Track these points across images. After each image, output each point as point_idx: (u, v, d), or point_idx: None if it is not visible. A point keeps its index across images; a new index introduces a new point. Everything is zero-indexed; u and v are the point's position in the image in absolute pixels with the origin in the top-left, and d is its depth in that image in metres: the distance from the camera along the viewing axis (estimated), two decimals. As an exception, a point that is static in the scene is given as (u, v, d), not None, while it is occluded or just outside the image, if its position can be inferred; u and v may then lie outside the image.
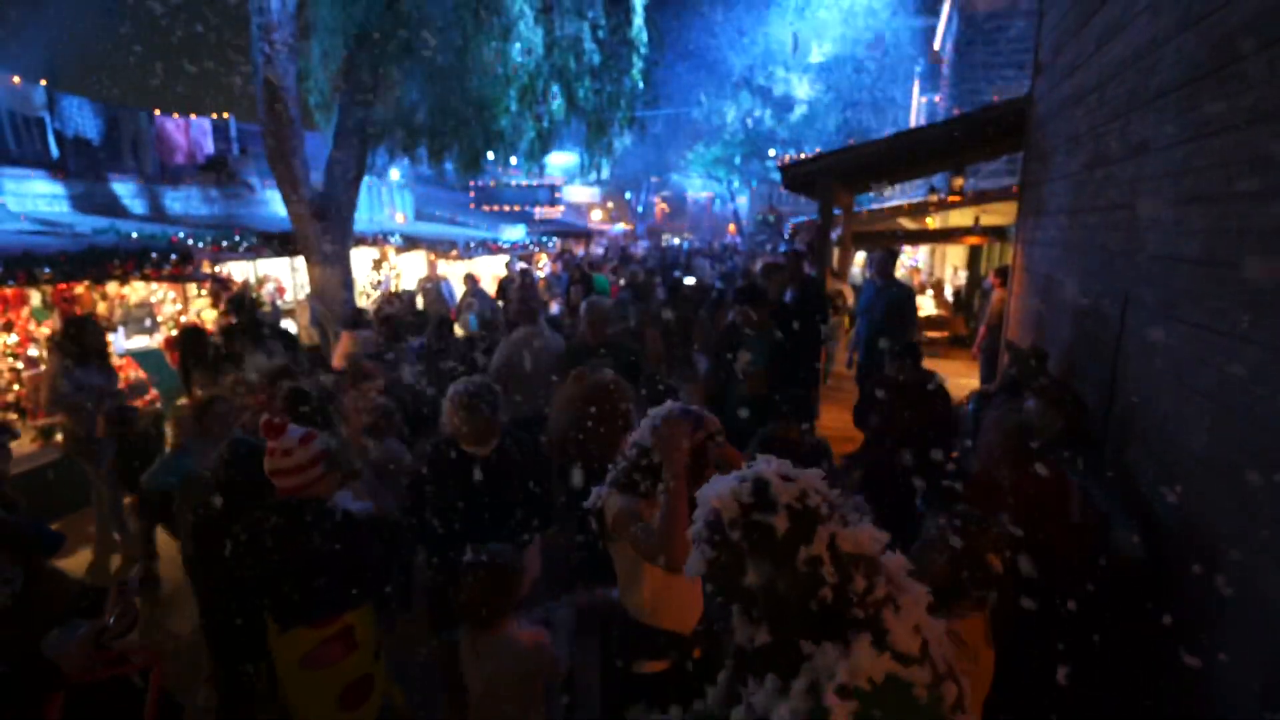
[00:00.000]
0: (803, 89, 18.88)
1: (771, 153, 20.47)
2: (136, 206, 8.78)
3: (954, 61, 12.95)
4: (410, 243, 10.81)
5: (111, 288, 6.02)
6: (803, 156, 8.35)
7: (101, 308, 6.01)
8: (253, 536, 2.17)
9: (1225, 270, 2.22)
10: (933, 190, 8.95)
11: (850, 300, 8.17)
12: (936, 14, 15.01)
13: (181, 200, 9.34)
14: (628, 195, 33.01)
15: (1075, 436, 3.02)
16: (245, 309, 5.21)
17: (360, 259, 10.00)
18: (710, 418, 2.18)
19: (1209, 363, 2.29)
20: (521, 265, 12.38)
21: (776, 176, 21.47)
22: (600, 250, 18.71)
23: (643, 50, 8.82)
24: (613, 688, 2.26)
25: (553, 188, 19.10)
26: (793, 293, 5.46)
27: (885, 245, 10.40)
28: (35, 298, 6.29)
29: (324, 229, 7.75)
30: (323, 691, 2.23)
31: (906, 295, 5.98)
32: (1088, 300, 3.63)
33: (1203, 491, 2.27)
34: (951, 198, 7.89)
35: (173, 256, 5.77)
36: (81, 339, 4.47)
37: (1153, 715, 2.37)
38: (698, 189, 35.44)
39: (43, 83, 9.03)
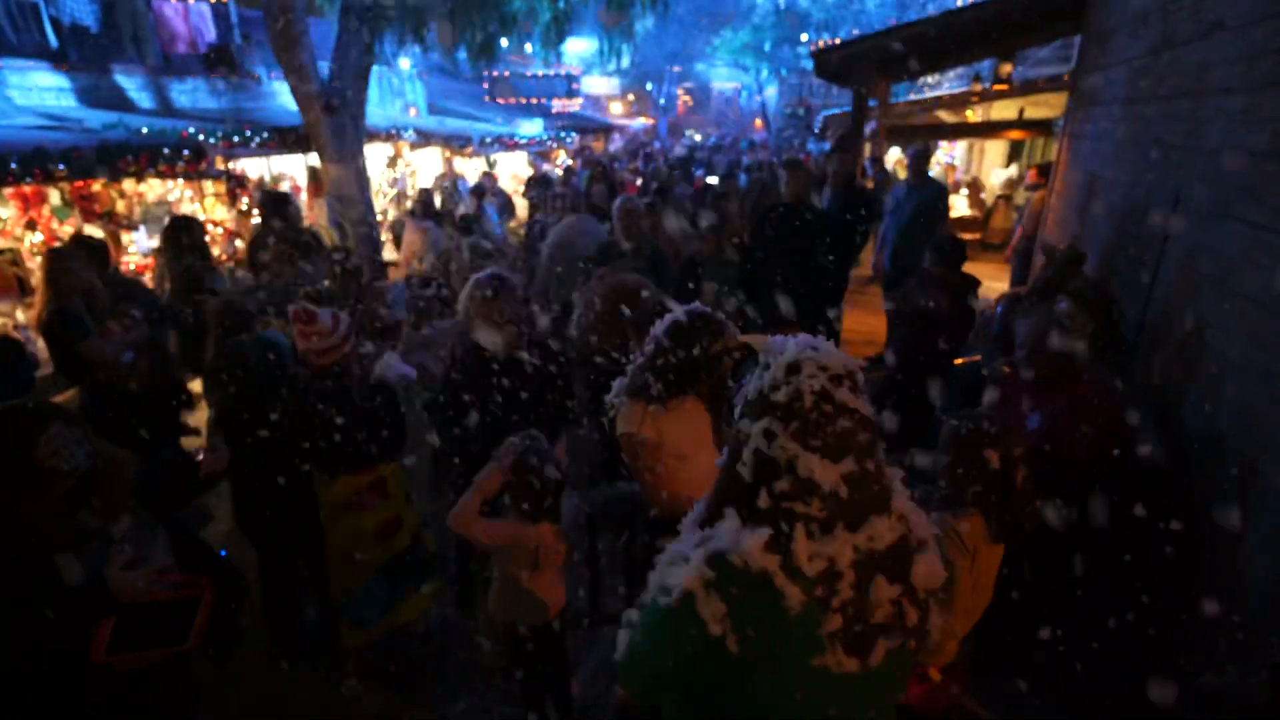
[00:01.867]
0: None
1: (804, 38, 19.09)
2: (143, 100, 8.54)
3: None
4: (424, 138, 10.46)
5: (128, 185, 5.97)
6: (839, 41, 7.73)
7: (121, 205, 5.99)
8: (303, 397, 2.50)
9: (1293, 164, 2.06)
10: (977, 79, 8.32)
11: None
12: None
13: (188, 93, 9.05)
14: (649, 87, 31.26)
15: (1107, 342, 2.95)
16: (287, 212, 5.11)
17: (374, 156, 9.74)
18: (732, 330, 2.14)
19: (1259, 264, 2.17)
20: (551, 165, 12.00)
21: (809, 65, 20.13)
22: (618, 147, 17.99)
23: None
24: (637, 566, 2.36)
25: (570, 78, 18.09)
26: (835, 197, 5.13)
27: (921, 140, 9.85)
28: (54, 196, 6.27)
29: (335, 123, 7.50)
30: (361, 529, 2.63)
31: (939, 195, 5.68)
32: (1135, 199, 3.44)
33: (1237, 398, 2.23)
34: (997, 86, 7.33)
35: (185, 153, 5.66)
36: (178, 242, 4.25)
37: (1167, 621, 2.45)
38: (723, 80, 33.45)
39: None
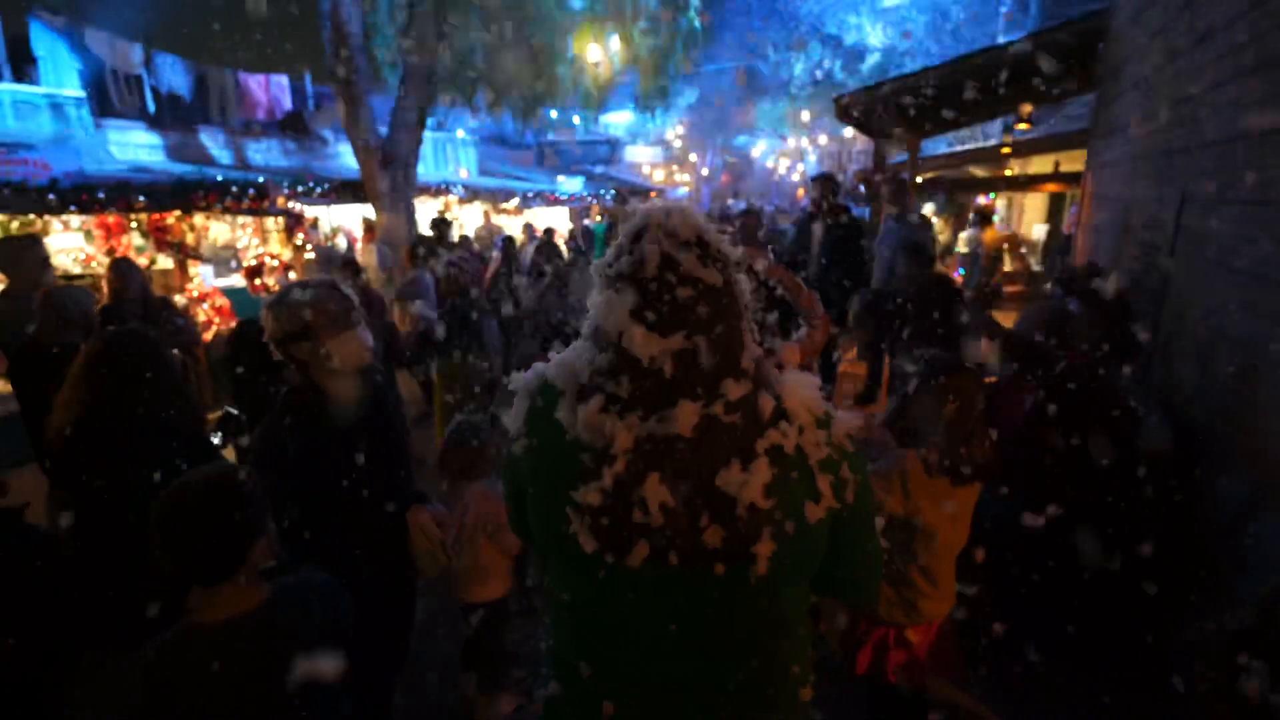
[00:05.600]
0: (876, 36, 18.02)
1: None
2: (223, 156, 9.44)
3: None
4: (471, 194, 11.12)
5: (199, 220, 6.56)
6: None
7: (190, 238, 6.57)
8: None
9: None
10: (1008, 131, 8.45)
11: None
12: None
13: (263, 152, 9.95)
14: (693, 158, 32.45)
15: (1121, 344, 2.90)
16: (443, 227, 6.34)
17: (425, 211, 10.40)
18: None
19: (1253, 239, 2.17)
20: (592, 220, 12.57)
21: (846, 133, 20.66)
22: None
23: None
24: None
25: (612, 143, 19.09)
26: (827, 228, 5.06)
27: (955, 193, 9.86)
28: (136, 237, 6.90)
29: (389, 175, 8.11)
30: None
31: (916, 237, 5.25)
32: (1147, 206, 3.45)
33: (1242, 371, 2.18)
34: (1020, 124, 7.40)
35: (250, 191, 6.22)
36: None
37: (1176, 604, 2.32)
38: (764, 152, 34.49)
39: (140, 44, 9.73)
